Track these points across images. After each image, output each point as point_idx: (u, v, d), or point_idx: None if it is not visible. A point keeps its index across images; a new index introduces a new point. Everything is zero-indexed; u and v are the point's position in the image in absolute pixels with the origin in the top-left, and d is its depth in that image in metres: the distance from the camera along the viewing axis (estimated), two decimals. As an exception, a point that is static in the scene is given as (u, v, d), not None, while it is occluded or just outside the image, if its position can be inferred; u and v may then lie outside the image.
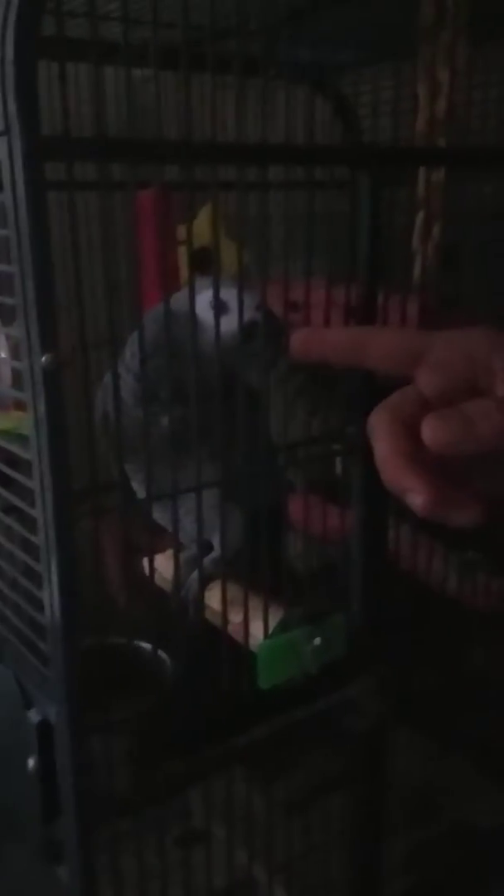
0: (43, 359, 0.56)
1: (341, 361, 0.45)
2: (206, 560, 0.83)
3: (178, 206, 0.96)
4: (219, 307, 0.71)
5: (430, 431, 0.39)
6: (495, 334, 0.41)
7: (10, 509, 0.74)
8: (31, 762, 0.68)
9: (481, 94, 0.84)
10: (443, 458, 0.39)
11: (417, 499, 0.39)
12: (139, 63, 0.61)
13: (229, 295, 0.72)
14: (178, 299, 0.72)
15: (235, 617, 0.76)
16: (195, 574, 0.82)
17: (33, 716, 0.67)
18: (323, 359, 0.45)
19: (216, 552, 0.84)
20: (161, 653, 0.75)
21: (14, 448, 0.65)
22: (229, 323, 0.73)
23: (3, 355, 0.74)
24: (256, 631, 0.76)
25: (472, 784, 1.13)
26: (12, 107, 0.52)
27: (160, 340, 0.69)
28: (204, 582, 0.81)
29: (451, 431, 0.38)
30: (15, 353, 0.69)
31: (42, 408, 0.58)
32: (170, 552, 0.83)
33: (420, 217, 0.85)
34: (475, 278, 0.88)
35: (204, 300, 0.72)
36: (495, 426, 0.38)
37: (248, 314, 0.74)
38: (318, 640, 0.77)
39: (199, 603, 0.79)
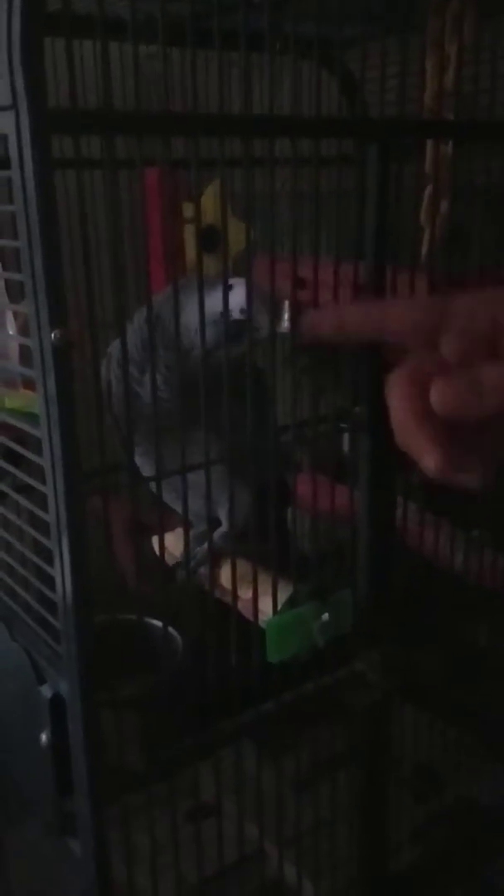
0: (52, 335, 0.56)
1: (360, 335, 0.45)
2: (215, 535, 0.83)
3: (183, 183, 0.95)
4: (203, 321, 0.69)
5: (437, 394, 0.39)
6: None
7: (20, 488, 0.74)
8: (43, 737, 0.68)
9: (490, 67, 0.83)
10: (454, 421, 0.39)
11: (430, 460, 0.39)
12: (145, 39, 0.61)
13: (214, 298, 0.70)
14: (162, 303, 0.72)
15: (245, 593, 0.76)
16: (202, 548, 0.83)
17: (45, 691, 0.68)
18: (340, 334, 0.45)
19: (224, 527, 0.85)
20: (171, 629, 0.76)
21: (25, 426, 0.65)
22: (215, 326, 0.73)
23: (11, 332, 0.74)
24: (265, 607, 0.77)
25: (476, 760, 1.14)
26: (19, 80, 0.52)
27: (146, 340, 0.69)
28: (213, 556, 0.81)
29: (458, 395, 0.39)
30: (23, 330, 0.69)
31: (52, 385, 0.58)
32: (178, 530, 0.83)
33: (428, 192, 0.84)
34: (482, 254, 0.88)
35: (191, 305, 0.71)
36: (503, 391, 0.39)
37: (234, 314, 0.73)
38: (326, 616, 0.77)
39: (209, 577, 0.79)
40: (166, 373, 0.77)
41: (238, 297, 0.72)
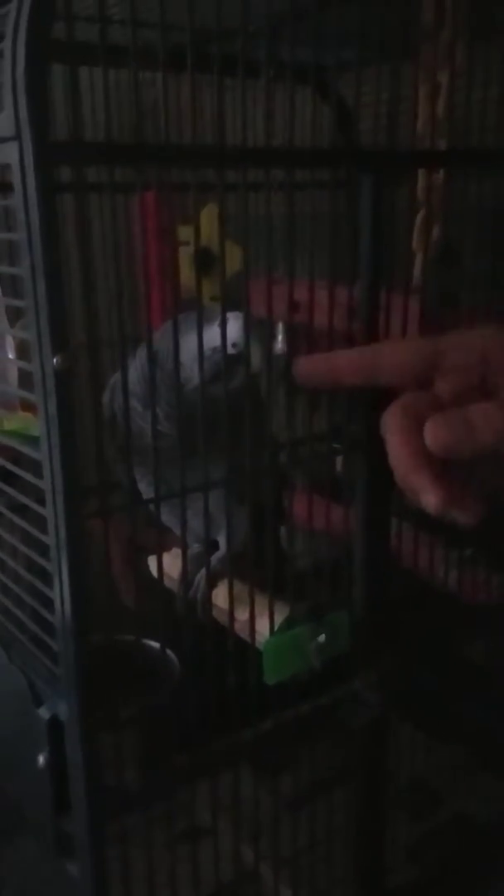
0: (54, 360, 0.57)
1: (353, 382, 0.46)
2: (213, 558, 0.84)
3: (179, 207, 0.97)
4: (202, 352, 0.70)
5: (432, 434, 0.40)
6: None
7: (17, 508, 0.75)
8: (41, 758, 0.68)
9: (481, 93, 0.85)
10: (449, 458, 0.40)
11: (430, 498, 0.40)
12: (145, 66, 0.62)
13: (209, 332, 0.71)
14: (160, 340, 0.73)
15: (241, 614, 0.77)
16: (202, 572, 0.83)
17: (43, 713, 0.68)
18: (334, 382, 0.45)
19: (222, 551, 0.85)
20: (168, 651, 0.76)
21: (24, 448, 0.65)
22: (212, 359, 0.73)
23: (10, 356, 0.74)
24: (262, 628, 0.77)
25: (472, 777, 1.15)
26: (23, 112, 0.53)
27: (145, 376, 0.69)
28: (211, 580, 0.82)
29: (452, 434, 0.40)
30: (21, 353, 0.69)
31: (53, 408, 0.59)
32: (175, 551, 0.84)
33: (420, 217, 0.85)
34: (475, 277, 0.89)
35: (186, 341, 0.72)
36: (496, 429, 0.39)
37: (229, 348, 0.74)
38: (322, 637, 0.78)
39: (206, 601, 0.80)
40: (167, 408, 0.78)
41: (233, 330, 0.73)
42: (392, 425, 0.42)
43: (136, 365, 0.80)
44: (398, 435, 0.41)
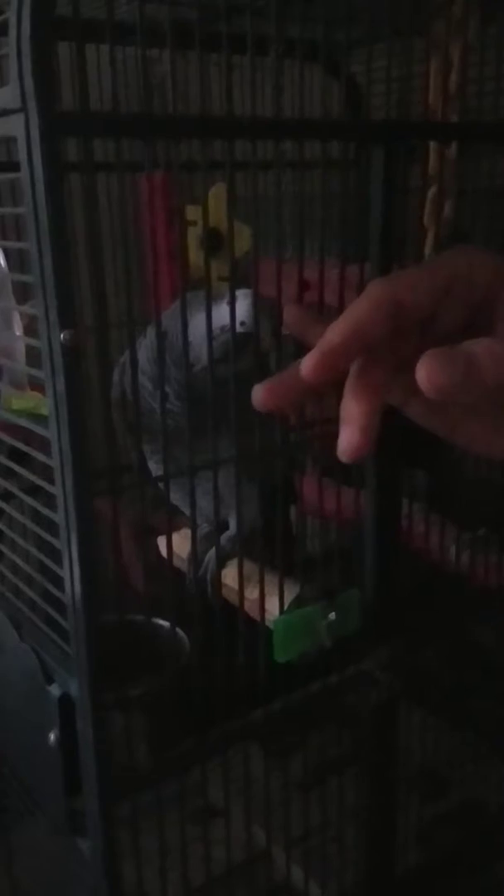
0: (62, 336, 0.57)
1: (373, 330, 0.41)
2: (223, 538, 0.84)
3: (187, 187, 0.96)
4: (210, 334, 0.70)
5: (426, 371, 0.35)
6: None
7: (26, 487, 0.75)
8: (51, 736, 0.69)
9: (494, 68, 0.84)
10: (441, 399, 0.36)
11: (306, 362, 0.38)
12: (153, 43, 0.61)
13: (218, 312, 0.71)
14: (170, 317, 0.72)
15: (251, 593, 0.77)
16: (212, 552, 0.83)
17: (54, 691, 0.68)
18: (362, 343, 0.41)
19: (232, 530, 0.85)
20: (178, 630, 0.76)
21: (33, 427, 0.65)
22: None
23: (17, 333, 0.74)
24: (272, 607, 0.77)
25: (481, 761, 1.14)
26: (28, 83, 0.52)
27: (155, 355, 0.69)
28: (221, 560, 0.81)
29: (451, 372, 0.35)
30: (29, 330, 0.69)
31: (61, 385, 0.58)
32: (185, 531, 0.84)
33: (431, 193, 0.84)
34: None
35: (195, 320, 0.71)
36: (501, 372, 0.35)
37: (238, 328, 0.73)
38: (332, 615, 0.77)
39: (217, 581, 0.80)
40: (177, 387, 0.78)
41: (241, 309, 0.72)
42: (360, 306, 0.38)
43: (146, 343, 0.80)
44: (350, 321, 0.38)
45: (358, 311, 0.39)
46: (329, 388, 0.40)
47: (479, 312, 0.39)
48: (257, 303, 0.72)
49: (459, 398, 0.35)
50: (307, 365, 0.38)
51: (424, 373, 0.35)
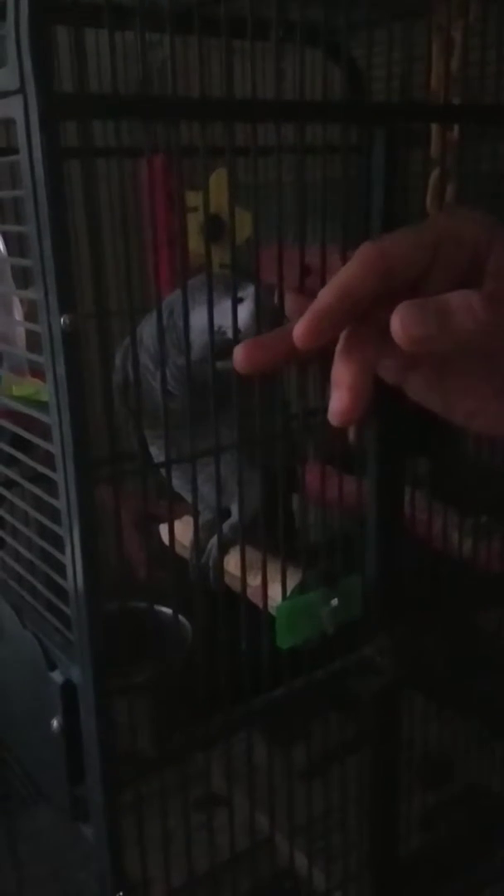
0: (62, 320, 0.56)
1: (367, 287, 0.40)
2: (225, 525, 0.83)
3: (187, 172, 0.95)
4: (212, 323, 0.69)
5: (400, 323, 0.35)
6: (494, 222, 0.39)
7: (28, 474, 0.74)
8: (54, 723, 0.69)
9: (495, 51, 0.83)
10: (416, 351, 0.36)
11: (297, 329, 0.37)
12: (152, 26, 0.61)
13: (222, 310, 0.70)
14: (174, 302, 0.71)
15: (254, 580, 0.76)
16: (214, 539, 0.83)
17: (57, 677, 0.68)
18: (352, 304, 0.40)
19: (234, 517, 0.85)
20: (181, 617, 0.76)
21: (34, 413, 0.65)
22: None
23: (17, 318, 0.73)
24: (275, 594, 0.77)
25: (484, 747, 1.15)
26: (27, 64, 0.52)
27: (158, 337, 0.69)
28: (223, 547, 0.81)
29: (424, 322, 0.35)
30: (29, 315, 0.69)
31: (61, 370, 0.58)
32: (187, 519, 0.83)
33: (433, 177, 0.84)
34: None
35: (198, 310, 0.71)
36: (475, 318, 0.35)
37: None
38: (335, 601, 0.77)
39: (219, 568, 0.80)
40: (176, 371, 0.78)
41: (242, 316, 0.71)
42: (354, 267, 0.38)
43: (151, 321, 0.79)
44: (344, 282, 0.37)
45: (348, 272, 0.39)
46: (315, 357, 0.40)
47: (469, 272, 0.39)
48: (260, 309, 0.71)
49: (435, 348, 0.35)
50: (299, 329, 0.39)
51: (399, 323, 0.35)
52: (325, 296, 0.39)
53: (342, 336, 0.39)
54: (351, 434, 0.91)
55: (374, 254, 0.39)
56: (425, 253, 0.39)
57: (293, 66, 0.68)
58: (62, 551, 0.64)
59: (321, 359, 0.41)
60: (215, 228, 0.85)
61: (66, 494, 0.62)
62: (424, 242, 0.39)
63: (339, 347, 0.39)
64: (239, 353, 0.41)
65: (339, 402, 0.38)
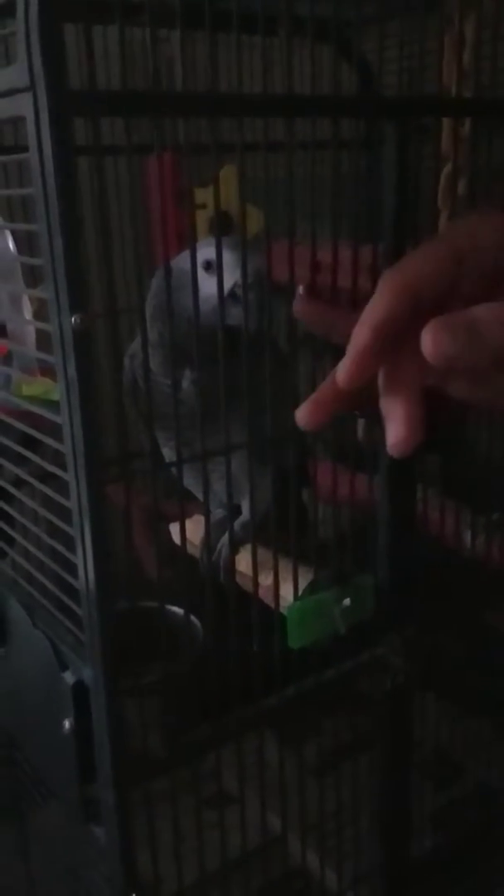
0: (73, 319, 0.56)
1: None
2: (236, 524, 0.83)
3: (196, 169, 0.95)
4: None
5: (430, 342, 0.35)
6: None
7: (38, 474, 0.74)
8: (66, 723, 0.68)
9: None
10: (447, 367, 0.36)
11: (341, 368, 0.38)
12: (162, 22, 0.60)
13: (225, 255, 0.69)
14: (178, 260, 0.71)
15: (265, 580, 0.76)
16: (225, 538, 0.82)
17: (68, 677, 0.68)
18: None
19: (245, 516, 0.84)
20: (192, 617, 0.76)
21: (44, 413, 0.65)
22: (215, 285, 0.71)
23: (27, 317, 0.73)
24: (286, 593, 0.77)
25: (496, 746, 1.14)
26: (37, 61, 0.51)
27: (160, 301, 0.68)
28: (234, 546, 0.81)
29: (456, 339, 0.35)
30: (39, 314, 0.69)
31: (72, 369, 0.58)
32: (197, 517, 0.83)
33: (445, 172, 0.83)
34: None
35: (198, 259, 0.71)
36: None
37: (235, 277, 0.72)
38: (347, 601, 0.77)
39: (230, 567, 0.79)
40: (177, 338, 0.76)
41: (228, 265, 0.70)
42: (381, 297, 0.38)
43: (153, 291, 0.78)
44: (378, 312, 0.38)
45: (377, 305, 0.39)
46: (364, 390, 0.40)
47: (497, 276, 0.39)
48: (246, 281, 0.71)
49: (467, 363, 0.35)
50: (343, 372, 0.39)
51: (429, 341, 0.35)
52: (361, 335, 0.39)
53: (383, 365, 0.39)
54: (360, 431, 0.90)
55: (399, 281, 0.39)
56: (448, 267, 0.39)
57: (303, 62, 0.67)
58: (73, 551, 0.64)
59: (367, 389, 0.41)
60: (224, 225, 0.85)
61: (78, 494, 0.61)
62: (444, 257, 0.39)
63: (383, 378, 0.40)
64: (300, 414, 0.42)
65: (395, 435, 0.39)
